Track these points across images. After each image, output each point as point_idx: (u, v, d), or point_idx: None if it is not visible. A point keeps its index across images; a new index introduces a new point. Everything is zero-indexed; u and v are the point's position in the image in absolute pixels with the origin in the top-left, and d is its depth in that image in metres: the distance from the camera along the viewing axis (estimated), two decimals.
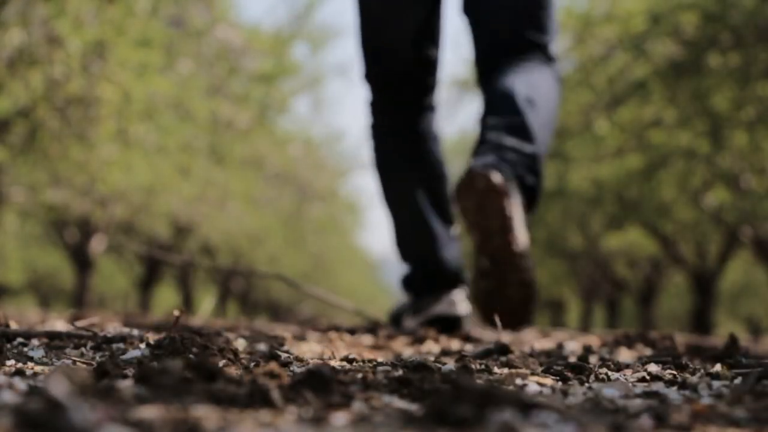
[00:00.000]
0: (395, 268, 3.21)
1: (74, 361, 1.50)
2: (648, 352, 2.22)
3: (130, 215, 11.14)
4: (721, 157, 8.32)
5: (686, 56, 7.38)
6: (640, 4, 7.71)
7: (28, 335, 1.72)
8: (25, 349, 1.60)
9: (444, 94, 12.07)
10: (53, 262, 18.23)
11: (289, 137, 14.69)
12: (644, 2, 7.70)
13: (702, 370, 1.58)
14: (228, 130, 9.98)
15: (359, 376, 1.20)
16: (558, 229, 12.58)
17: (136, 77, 6.51)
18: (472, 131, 15.27)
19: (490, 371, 1.49)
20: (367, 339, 2.47)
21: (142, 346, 1.58)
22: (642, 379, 1.46)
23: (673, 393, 1.25)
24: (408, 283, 3.00)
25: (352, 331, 2.66)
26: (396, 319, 2.96)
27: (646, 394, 1.23)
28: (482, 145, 2.52)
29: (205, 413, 0.92)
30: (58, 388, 0.87)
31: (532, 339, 2.83)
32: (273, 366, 1.12)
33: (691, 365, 1.66)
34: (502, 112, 2.55)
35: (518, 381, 1.35)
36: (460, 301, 2.90)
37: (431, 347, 2.33)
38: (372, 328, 2.81)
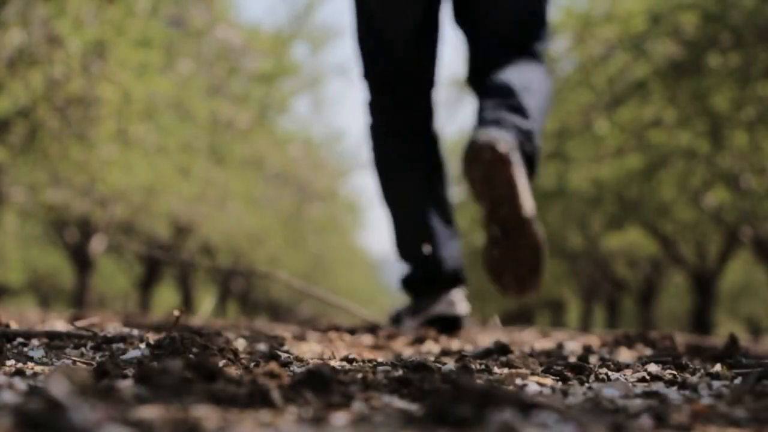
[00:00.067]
0: (395, 268, 3.22)
1: (74, 361, 1.50)
2: (648, 352, 2.23)
3: (130, 215, 11.13)
4: (721, 157, 8.32)
5: (686, 56, 7.38)
6: (640, 4, 7.71)
7: (28, 335, 1.72)
8: (25, 349, 1.61)
9: (444, 94, 12.08)
10: (53, 262, 18.22)
11: (289, 137, 14.69)
12: (644, 2, 7.70)
13: (702, 370, 1.58)
14: (228, 130, 9.98)
15: (359, 376, 1.20)
16: (558, 229, 12.57)
17: (136, 77, 6.51)
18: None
19: (490, 371, 1.49)
20: (367, 339, 2.47)
21: (142, 346, 1.58)
22: (642, 379, 1.46)
23: (673, 393, 1.25)
24: (407, 283, 3.00)
25: (352, 331, 2.66)
26: (396, 321, 2.96)
27: (646, 394, 1.23)
28: (481, 121, 2.57)
29: (205, 413, 0.92)
30: (58, 388, 0.87)
31: (532, 339, 2.83)
32: (273, 366, 1.12)
33: (691, 365, 1.66)
34: (499, 95, 2.62)
35: (518, 381, 1.35)
36: (459, 301, 2.90)
37: (431, 347, 2.33)
38: (372, 328, 2.81)
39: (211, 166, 10.64)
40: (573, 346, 2.35)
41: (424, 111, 2.95)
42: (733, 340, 2.01)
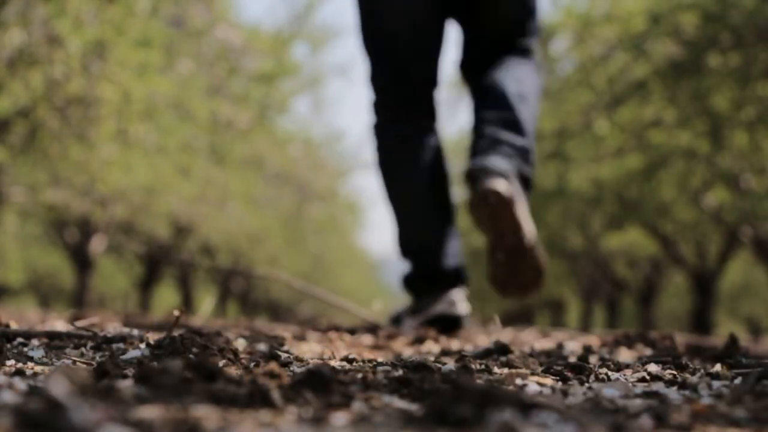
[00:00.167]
0: (395, 268, 3.23)
1: (74, 361, 1.50)
2: (648, 352, 2.22)
3: (130, 215, 11.13)
4: (721, 157, 8.32)
5: (686, 56, 7.38)
6: (640, 4, 7.71)
7: (28, 335, 1.72)
8: (25, 349, 1.61)
9: (444, 94, 12.08)
10: (53, 262, 18.22)
11: (289, 137, 14.69)
12: (644, 2, 7.70)
13: (702, 370, 1.58)
14: (228, 130, 9.98)
15: (359, 376, 1.20)
16: (558, 229, 12.57)
17: (136, 77, 6.51)
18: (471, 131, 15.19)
19: (490, 371, 1.49)
20: (367, 339, 2.47)
21: (142, 346, 1.58)
22: (642, 379, 1.46)
23: (673, 393, 1.25)
24: (408, 281, 3.01)
25: (352, 331, 2.66)
26: (396, 321, 2.97)
27: (646, 394, 1.23)
28: (480, 140, 2.75)
29: (205, 413, 0.92)
30: (58, 388, 0.87)
31: (532, 339, 2.83)
32: (273, 366, 1.12)
33: (691, 365, 1.66)
34: (496, 106, 2.80)
35: (518, 381, 1.35)
36: (459, 301, 2.90)
37: (431, 347, 2.33)
38: (372, 328, 2.81)
39: (211, 166, 10.64)
40: (573, 346, 2.34)
41: (427, 111, 2.98)
42: (733, 340, 2.01)
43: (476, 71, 2.98)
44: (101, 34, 6.07)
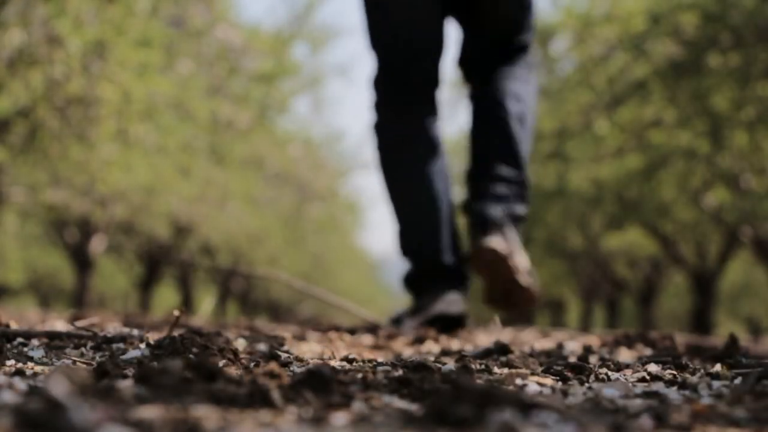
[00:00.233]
0: (395, 268, 3.25)
1: (74, 361, 1.50)
2: (648, 352, 2.22)
3: (130, 215, 11.13)
4: (721, 157, 8.32)
5: (686, 56, 7.38)
6: (640, 4, 7.71)
7: (28, 335, 1.72)
8: (25, 349, 1.60)
9: (444, 94, 12.07)
10: (53, 262, 18.22)
11: (289, 137, 14.68)
12: (644, 2, 7.71)
13: (702, 370, 1.58)
14: (228, 130, 9.98)
15: (359, 376, 1.20)
16: (558, 229, 12.57)
17: (136, 77, 6.51)
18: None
19: (490, 371, 1.49)
20: (367, 339, 2.47)
21: (142, 346, 1.58)
22: (642, 379, 1.46)
23: (673, 393, 1.25)
24: (409, 280, 3.01)
25: (352, 331, 2.65)
26: (397, 323, 2.97)
27: (646, 394, 1.23)
28: (479, 179, 2.94)
29: (205, 413, 0.92)
30: (58, 388, 0.87)
31: (532, 339, 2.83)
32: (273, 366, 1.12)
33: (691, 365, 1.66)
34: (496, 134, 2.97)
35: (518, 381, 1.35)
36: (460, 300, 2.90)
37: (431, 347, 2.33)
38: (372, 328, 2.81)
39: (211, 166, 10.64)
40: (573, 346, 2.34)
41: (429, 110, 2.99)
42: (733, 340, 2.01)
43: (476, 70, 3.07)
44: (101, 34, 6.07)
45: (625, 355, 2.18)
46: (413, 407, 1.03)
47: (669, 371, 1.57)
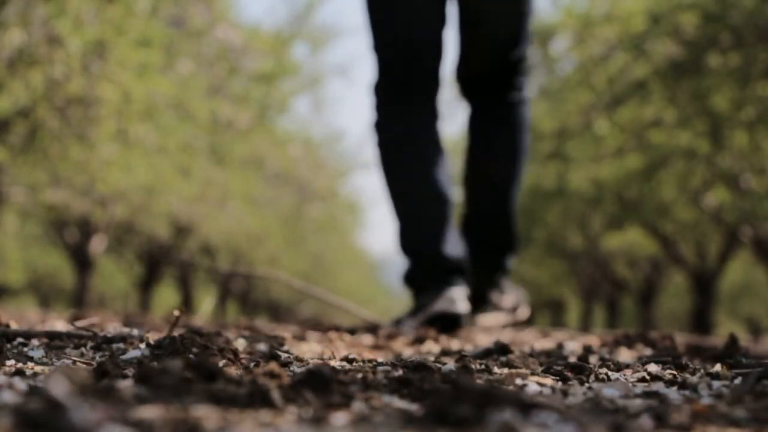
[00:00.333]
0: (395, 268, 3.27)
1: (74, 361, 1.50)
2: (648, 352, 2.22)
3: (130, 215, 11.13)
4: (721, 157, 8.31)
5: (686, 56, 7.38)
6: (640, 4, 7.71)
7: (28, 335, 1.72)
8: (25, 349, 1.60)
9: (444, 94, 12.06)
10: (53, 262, 18.21)
11: (289, 137, 14.68)
12: (644, 2, 7.70)
13: (702, 370, 1.58)
14: (228, 130, 9.97)
15: (359, 376, 1.20)
16: (558, 229, 12.57)
17: (136, 77, 6.51)
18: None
19: (490, 371, 1.49)
20: (367, 339, 2.47)
21: (142, 346, 1.58)
22: (642, 379, 1.46)
23: (673, 393, 1.25)
24: (409, 277, 3.02)
25: (352, 331, 2.65)
26: (398, 324, 2.97)
27: (646, 394, 1.23)
28: (478, 271, 3.13)
29: (205, 413, 0.92)
30: (58, 388, 0.87)
31: (532, 339, 2.83)
32: (273, 366, 1.12)
33: (691, 365, 1.66)
34: (494, 222, 3.22)
35: (518, 381, 1.35)
36: (460, 299, 2.90)
37: (431, 347, 2.33)
38: (372, 328, 2.81)
39: (211, 166, 10.63)
40: (573, 346, 2.34)
41: (430, 110, 3.01)
42: (733, 340, 2.01)
43: (472, 90, 3.21)
44: (101, 34, 6.07)
45: (625, 355, 2.18)
46: (413, 407, 1.03)
47: (669, 371, 1.57)
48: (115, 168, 7.87)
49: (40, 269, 19.34)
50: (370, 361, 1.68)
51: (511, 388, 1.25)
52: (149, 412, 0.90)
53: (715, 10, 6.98)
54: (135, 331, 1.79)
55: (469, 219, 3.26)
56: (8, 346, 1.62)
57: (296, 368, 1.48)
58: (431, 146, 2.99)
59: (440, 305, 2.85)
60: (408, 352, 2.20)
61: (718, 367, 1.58)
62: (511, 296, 3.24)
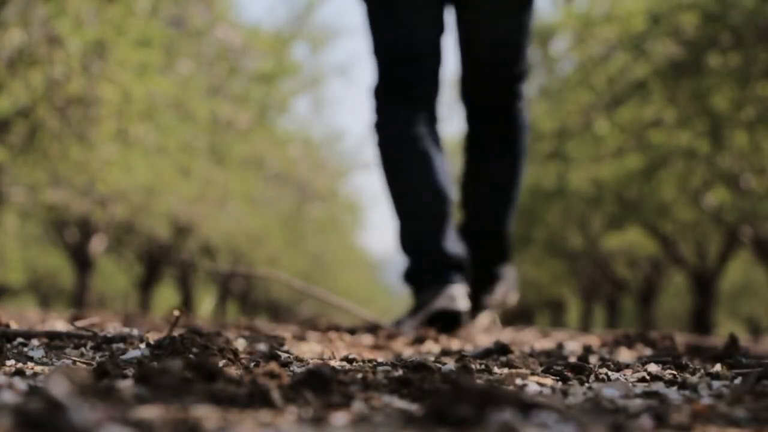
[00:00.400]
0: (395, 268, 3.27)
1: (74, 361, 1.50)
2: (648, 352, 2.22)
3: (130, 215, 11.13)
4: (721, 157, 8.32)
5: (686, 56, 7.38)
6: (640, 4, 7.71)
7: (28, 335, 1.72)
8: (25, 349, 1.60)
9: (444, 94, 12.06)
10: (53, 262, 18.21)
11: (289, 137, 14.68)
12: (644, 2, 7.70)
13: (702, 370, 1.58)
14: (228, 130, 9.97)
15: (359, 376, 1.20)
16: (558, 229, 12.57)
17: (136, 77, 6.51)
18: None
19: (490, 371, 1.49)
20: (367, 339, 2.47)
21: (142, 346, 1.58)
22: (642, 379, 1.46)
23: (673, 393, 1.25)
24: (409, 275, 3.02)
25: (352, 331, 2.65)
26: (399, 324, 2.98)
27: (646, 394, 1.23)
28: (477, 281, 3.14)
29: (205, 413, 0.92)
30: (58, 388, 0.87)
31: (532, 339, 2.83)
32: (273, 366, 1.12)
33: (691, 365, 1.66)
34: (491, 242, 3.25)
35: (518, 381, 1.35)
36: (460, 297, 2.90)
37: (431, 347, 2.33)
38: (372, 328, 2.81)
39: (211, 166, 10.63)
40: (573, 346, 2.34)
41: (430, 111, 3.02)
42: (733, 340, 2.01)
43: (474, 101, 3.24)
44: (101, 34, 6.07)
45: (625, 355, 2.18)
46: (413, 407, 1.03)
47: (669, 371, 1.57)
48: (115, 168, 7.87)
49: (40, 269, 19.34)
50: (370, 361, 1.68)
51: (511, 388, 1.26)
52: (149, 412, 0.90)
53: (715, 10, 6.99)
54: (135, 331, 1.79)
55: (464, 226, 3.27)
56: (8, 346, 1.62)
57: (296, 368, 1.48)
58: (431, 146, 3.00)
59: (440, 302, 2.85)
60: (408, 352, 2.20)
61: (718, 367, 1.58)
62: (501, 290, 3.26)
